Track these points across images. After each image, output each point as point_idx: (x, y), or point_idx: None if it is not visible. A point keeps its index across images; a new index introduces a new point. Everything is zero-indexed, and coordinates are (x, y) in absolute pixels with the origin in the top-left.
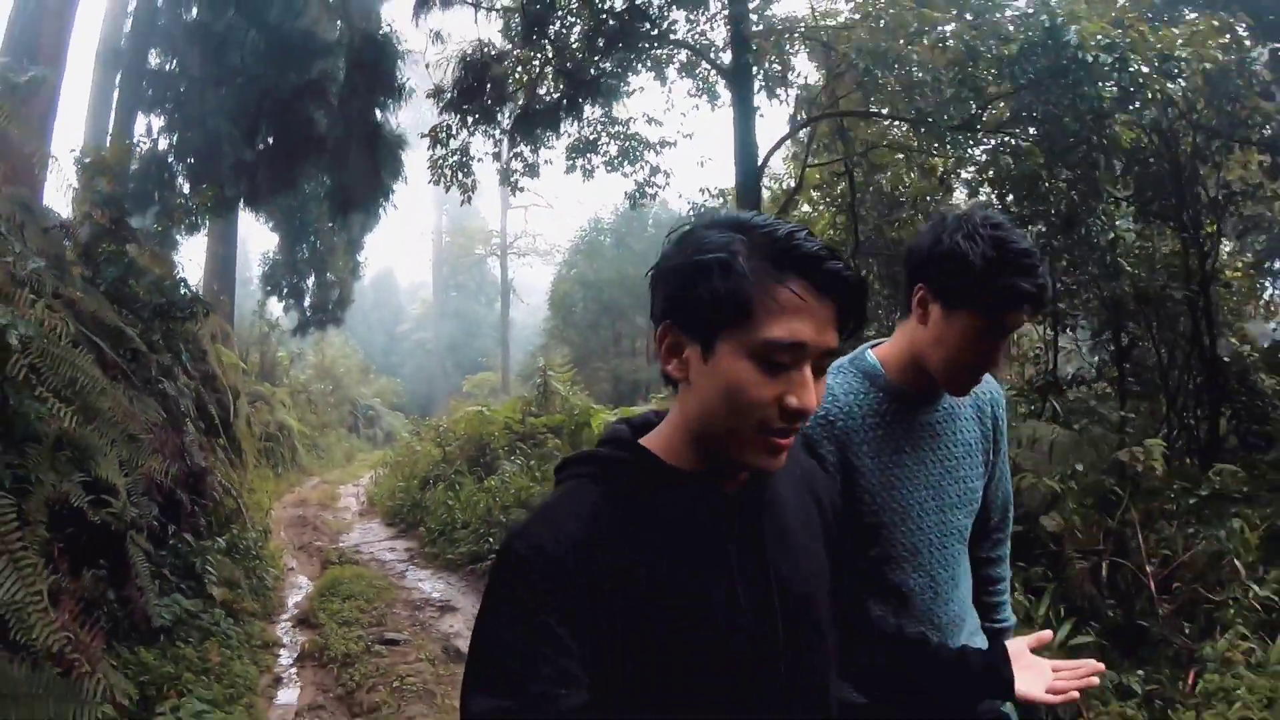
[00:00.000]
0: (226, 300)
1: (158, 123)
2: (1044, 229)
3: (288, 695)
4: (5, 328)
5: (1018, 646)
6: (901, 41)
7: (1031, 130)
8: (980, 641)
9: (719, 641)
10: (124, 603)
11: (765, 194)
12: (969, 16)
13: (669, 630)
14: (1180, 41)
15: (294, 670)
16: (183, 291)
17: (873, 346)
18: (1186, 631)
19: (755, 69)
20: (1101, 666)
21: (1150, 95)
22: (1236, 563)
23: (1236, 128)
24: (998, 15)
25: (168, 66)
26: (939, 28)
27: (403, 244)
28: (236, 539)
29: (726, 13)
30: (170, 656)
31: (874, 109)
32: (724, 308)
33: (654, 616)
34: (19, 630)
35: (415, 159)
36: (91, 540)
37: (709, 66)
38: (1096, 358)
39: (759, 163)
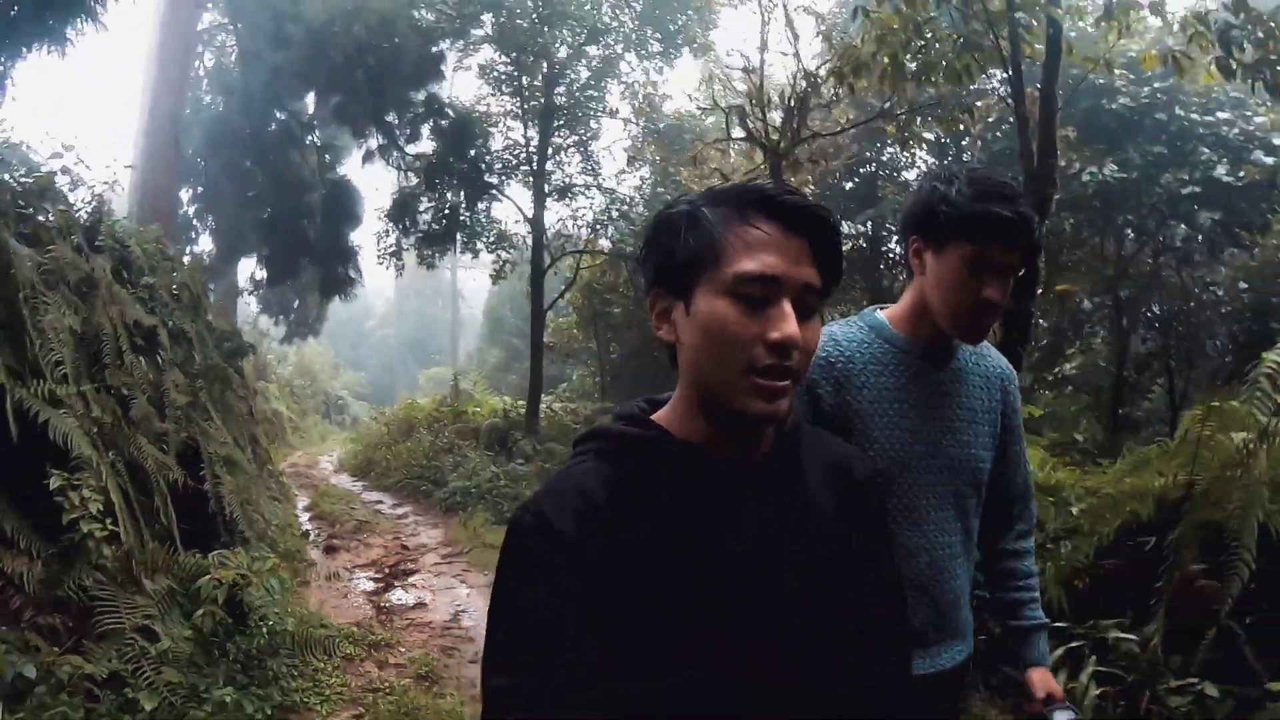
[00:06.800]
0: (232, 317)
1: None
2: None
3: (306, 523)
4: (218, 365)
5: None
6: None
7: None
8: (968, 644)
9: (717, 614)
10: None
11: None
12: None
13: (667, 603)
14: None
15: (308, 518)
16: (242, 341)
17: (882, 308)
18: None
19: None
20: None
21: None
22: None
23: None
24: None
25: (201, 164)
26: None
27: (369, 253)
28: (271, 471)
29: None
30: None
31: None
32: (696, 256)
33: (653, 589)
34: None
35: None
36: None
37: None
38: None
39: (544, 267)
